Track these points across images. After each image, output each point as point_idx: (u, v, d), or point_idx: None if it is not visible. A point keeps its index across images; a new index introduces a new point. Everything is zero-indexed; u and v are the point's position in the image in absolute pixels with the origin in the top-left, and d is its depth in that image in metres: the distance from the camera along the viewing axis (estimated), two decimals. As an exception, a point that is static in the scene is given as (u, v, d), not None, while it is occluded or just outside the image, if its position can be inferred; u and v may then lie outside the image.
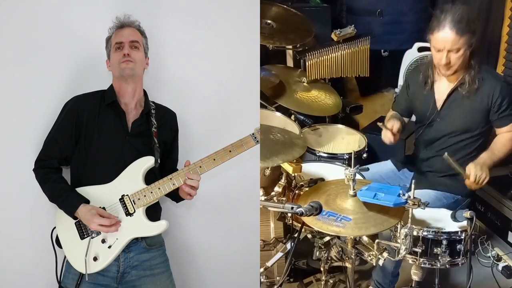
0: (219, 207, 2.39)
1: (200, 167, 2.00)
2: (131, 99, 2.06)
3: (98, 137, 2.02)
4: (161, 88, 2.26)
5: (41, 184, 2.02)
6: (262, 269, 2.49)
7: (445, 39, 2.30)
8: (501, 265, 2.87)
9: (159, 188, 1.99)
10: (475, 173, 2.29)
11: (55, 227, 2.03)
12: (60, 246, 2.01)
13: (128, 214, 1.98)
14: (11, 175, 2.15)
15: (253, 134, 2.03)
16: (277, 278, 2.63)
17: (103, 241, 1.96)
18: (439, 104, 2.51)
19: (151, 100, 2.14)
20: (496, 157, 2.41)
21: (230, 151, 2.01)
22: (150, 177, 2.03)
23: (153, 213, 2.06)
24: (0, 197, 2.16)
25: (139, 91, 2.09)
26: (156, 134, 2.07)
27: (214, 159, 2.01)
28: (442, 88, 2.50)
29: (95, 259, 1.95)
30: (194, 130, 2.30)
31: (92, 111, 2.03)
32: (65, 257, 2.01)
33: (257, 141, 2.03)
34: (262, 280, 2.58)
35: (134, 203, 1.98)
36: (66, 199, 1.96)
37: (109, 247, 1.96)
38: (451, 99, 2.47)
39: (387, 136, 2.51)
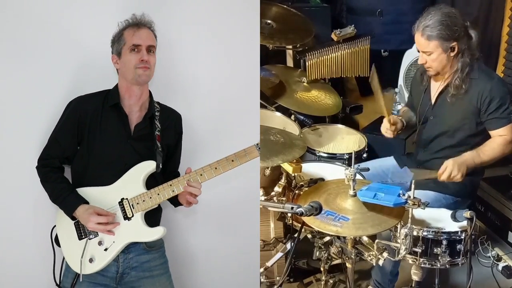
0: (219, 207, 2.39)
1: (201, 175, 1.98)
2: (137, 101, 2.04)
3: (100, 139, 2.00)
4: (161, 88, 2.25)
5: (42, 182, 2.02)
6: (262, 269, 2.49)
7: (417, 41, 2.37)
8: (501, 265, 2.87)
9: (158, 194, 1.97)
10: (450, 171, 2.26)
11: (55, 226, 2.03)
12: (59, 244, 2.01)
13: (126, 218, 1.96)
14: (13, 173, 2.15)
15: (257, 144, 1.99)
16: (277, 278, 2.63)
17: (100, 243, 1.95)
18: (432, 101, 2.52)
19: (156, 100, 2.11)
20: (480, 160, 2.33)
21: (232, 161, 1.97)
22: (151, 180, 2.01)
23: (154, 214, 2.05)
24: (2, 195, 2.16)
25: (145, 93, 2.06)
26: (160, 138, 2.04)
27: (216, 168, 1.97)
28: (435, 86, 2.51)
29: (90, 260, 1.94)
30: (194, 130, 2.29)
31: (94, 113, 2.01)
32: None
33: (260, 152, 2.00)
34: (262, 280, 2.58)
35: (133, 207, 1.96)
36: (65, 199, 1.96)
37: (105, 249, 1.95)
38: (442, 98, 2.46)
39: (386, 128, 2.53)
